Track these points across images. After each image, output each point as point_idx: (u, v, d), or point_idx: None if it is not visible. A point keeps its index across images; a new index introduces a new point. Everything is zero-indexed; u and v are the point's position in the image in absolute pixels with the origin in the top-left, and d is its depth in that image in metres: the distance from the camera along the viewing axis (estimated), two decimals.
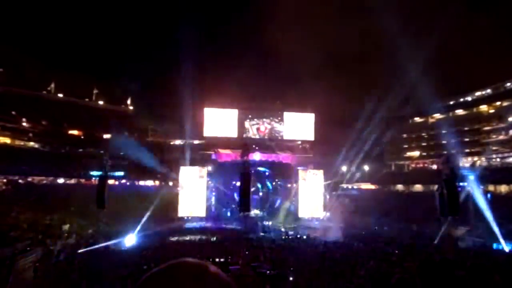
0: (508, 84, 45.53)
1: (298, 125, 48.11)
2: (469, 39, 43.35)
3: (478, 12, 47.68)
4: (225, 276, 0.87)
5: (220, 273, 0.86)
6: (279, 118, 48.56)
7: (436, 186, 19.18)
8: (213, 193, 43.36)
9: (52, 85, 53.95)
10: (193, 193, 38.32)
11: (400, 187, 52.64)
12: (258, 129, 48.27)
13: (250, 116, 48.00)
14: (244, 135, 46.53)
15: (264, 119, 48.42)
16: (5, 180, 42.14)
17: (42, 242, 23.56)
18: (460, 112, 50.62)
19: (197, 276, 0.82)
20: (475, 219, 26.77)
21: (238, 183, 18.28)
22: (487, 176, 37.26)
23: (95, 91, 58.30)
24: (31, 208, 31.40)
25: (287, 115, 48.35)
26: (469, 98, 50.80)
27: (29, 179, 44.65)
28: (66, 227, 28.03)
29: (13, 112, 46.52)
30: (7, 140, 46.38)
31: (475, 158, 46.34)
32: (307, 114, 48.17)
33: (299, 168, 43.55)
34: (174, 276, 0.82)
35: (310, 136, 48.11)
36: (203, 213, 38.36)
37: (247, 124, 47.92)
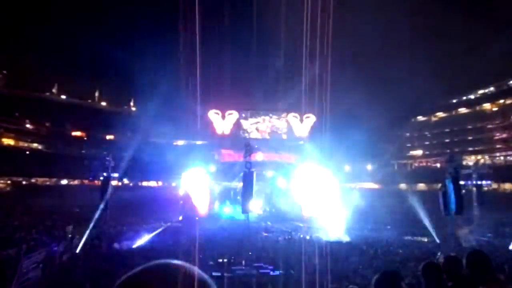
0: (511, 82, 45.31)
1: (300, 125, 48.10)
2: (471, 37, 43.10)
3: (480, 9, 47.34)
4: (202, 275, 0.84)
5: (196, 273, 0.83)
6: (278, 115, 48.55)
7: (439, 185, 19.09)
8: (216, 194, 43.34)
9: (55, 87, 54.14)
10: (196, 194, 38.37)
11: (403, 186, 52.43)
12: (257, 128, 48.23)
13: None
14: (247, 136, 46.52)
15: (263, 117, 48.35)
16: (9, 182, 42.36)
17: (45, 243, 23.63)
18: (463, 110, 50.39)
19: (169, 278, 0.81)
20: (479, 218, 26.62)
21: (241, 184, 18.32)
22: (491, 174, 37.07)
23: (97, 92, 58.41)
24: (35, 209, 31.56)
25: (288, 115, 48.37)
26: (472, 96, 50.56)
27: (33, 180, 44.86)
28: (69, 228, 28.08)
29: (17, 114, 46.75)
30: (11, 142, 46.61)
31: (479, 157, 46.13)
32: (309, 114, 48.16)
33: (301, 167, 43.45)
34: (146, 281, 0.82)
35: (312, 136, 48.08)
36: (205, 214, 38.38)
37: (246, 124, 47.90)
